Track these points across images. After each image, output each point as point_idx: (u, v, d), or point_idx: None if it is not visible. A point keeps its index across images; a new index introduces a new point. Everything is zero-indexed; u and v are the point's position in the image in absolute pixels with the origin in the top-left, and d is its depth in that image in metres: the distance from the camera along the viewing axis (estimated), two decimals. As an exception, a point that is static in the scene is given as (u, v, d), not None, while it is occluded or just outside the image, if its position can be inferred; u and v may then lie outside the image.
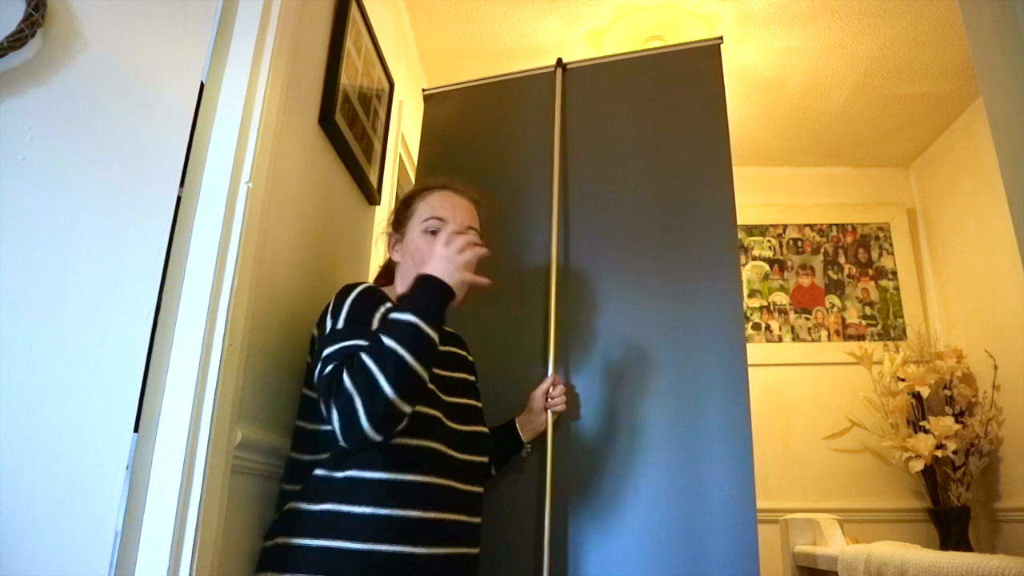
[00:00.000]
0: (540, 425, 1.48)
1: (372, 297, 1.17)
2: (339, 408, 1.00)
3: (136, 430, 0.94)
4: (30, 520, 0.86)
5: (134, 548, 0.91)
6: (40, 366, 0.90)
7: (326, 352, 1.08)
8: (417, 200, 1.34)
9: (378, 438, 1.01)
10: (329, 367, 1.05)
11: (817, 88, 2.86)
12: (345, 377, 1.01)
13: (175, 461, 0.95)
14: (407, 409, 1.03)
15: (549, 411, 1.48)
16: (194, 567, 0.93)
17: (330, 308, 1.16)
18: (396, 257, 1.35)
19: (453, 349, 1.37)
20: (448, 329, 1.40)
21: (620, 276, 1.62)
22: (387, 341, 1.03)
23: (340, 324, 1.12)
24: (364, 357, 1.02)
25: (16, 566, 0.84)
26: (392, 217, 1.39)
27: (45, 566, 0.85)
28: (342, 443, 1.01)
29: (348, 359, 1.04)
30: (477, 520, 1.23)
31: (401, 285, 1.32)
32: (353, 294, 1.17)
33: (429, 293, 1.09)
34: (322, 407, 1.04)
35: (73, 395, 0.91)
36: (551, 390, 1.48)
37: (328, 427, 1.05)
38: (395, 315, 1.07)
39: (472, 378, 1.38)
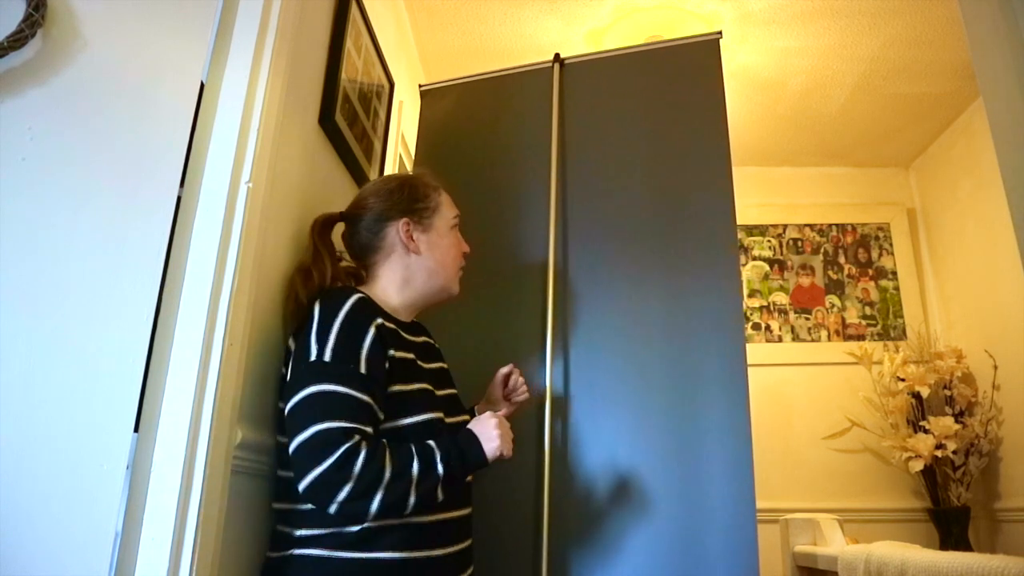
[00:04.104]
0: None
1: (361, 316, 1.11)
2: (331, 478, 0.97)
3: (136, 430, 0.94)
4: (30, 520, 0.86)
5: (134, 548, 0.91)
6: (40, 366, 0.90)
7: (311, 391, 1.03)
8: (434, 194, 1.32)
9: (331, 512, 0.99)
10: (338, 438, 0.99)
11: (817, 88, 2.86)
12: (358, 463, 0.98)
13: (175, 461, 0.95)
14: (373, 517, 1.02)
15: (512, 400, 1.39)
16: (194, 567, 0.93)
17: (315, 326, 1.09)
18: (416, 248, 1.26)
19: (426, 339, 1.32)
20: (414, 320, 1.33)
21: (619, 274, 1.62)
22: (413, 489, 1.02)
23: (327, 356, 1.06)
24: (387, 469, 1.00)
25: (16, 566, 0.84)
26: (404, 204, 1.28)
27: (45, 566, 0.85)
28: (302, 493, 0.99)
29: (373, 450, 1.01)
30: (470, 511, 1.22)
31: (420, 277, 1.26)
32: (341, 314, 1.10)
33: (469, 467, 1.09)
34: (305, 460, 0.99)
35: (73, 395, 0.91)
36: (511, 378, 1.38)
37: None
38: (434, 465, 1.05)
39: (446, 365, 1.33)
